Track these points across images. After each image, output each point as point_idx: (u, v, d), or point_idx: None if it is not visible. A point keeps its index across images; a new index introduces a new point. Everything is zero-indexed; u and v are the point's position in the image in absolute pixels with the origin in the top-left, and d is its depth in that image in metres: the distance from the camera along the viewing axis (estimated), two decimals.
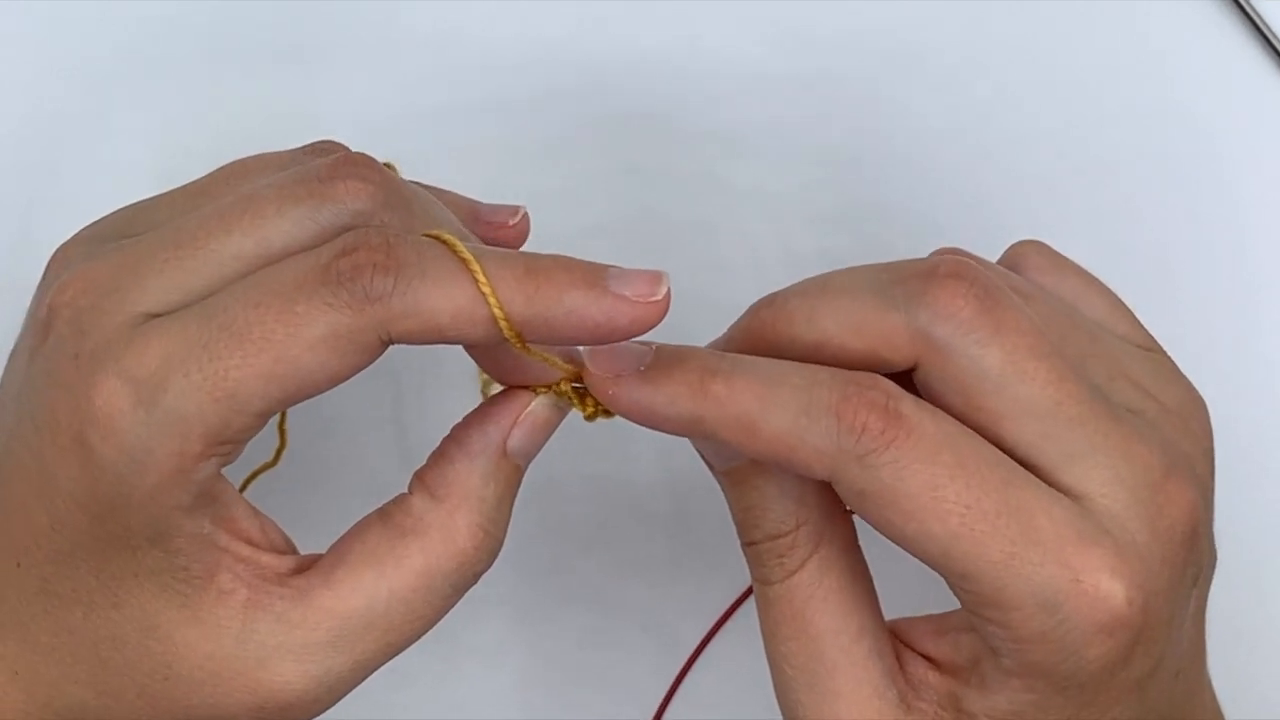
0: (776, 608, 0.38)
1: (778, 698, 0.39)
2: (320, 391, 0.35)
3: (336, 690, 0.37)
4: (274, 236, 0.37)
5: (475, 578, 0.38)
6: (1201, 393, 0.51)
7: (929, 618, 0.39)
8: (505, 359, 0.38)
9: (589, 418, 0.38)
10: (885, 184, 0.55)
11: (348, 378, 0.35)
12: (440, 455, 0.38)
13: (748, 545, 0.38)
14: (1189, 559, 0.37)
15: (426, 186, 0.41)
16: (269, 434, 0.44)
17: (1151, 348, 0.41)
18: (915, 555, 0.35)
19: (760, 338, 0.38)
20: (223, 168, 0.40)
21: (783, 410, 0.35)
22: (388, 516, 0.38)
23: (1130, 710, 0.37)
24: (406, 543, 0.37)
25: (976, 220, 0.55)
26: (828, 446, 0.35)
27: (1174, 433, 0.38)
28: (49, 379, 0.36)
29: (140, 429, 0.35)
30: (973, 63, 0.56)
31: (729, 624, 0.52)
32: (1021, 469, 0.36)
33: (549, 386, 0.38)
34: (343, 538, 0.38)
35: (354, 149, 0.40)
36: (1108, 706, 0.36)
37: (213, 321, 0.35)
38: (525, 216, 0.42)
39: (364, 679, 0.37)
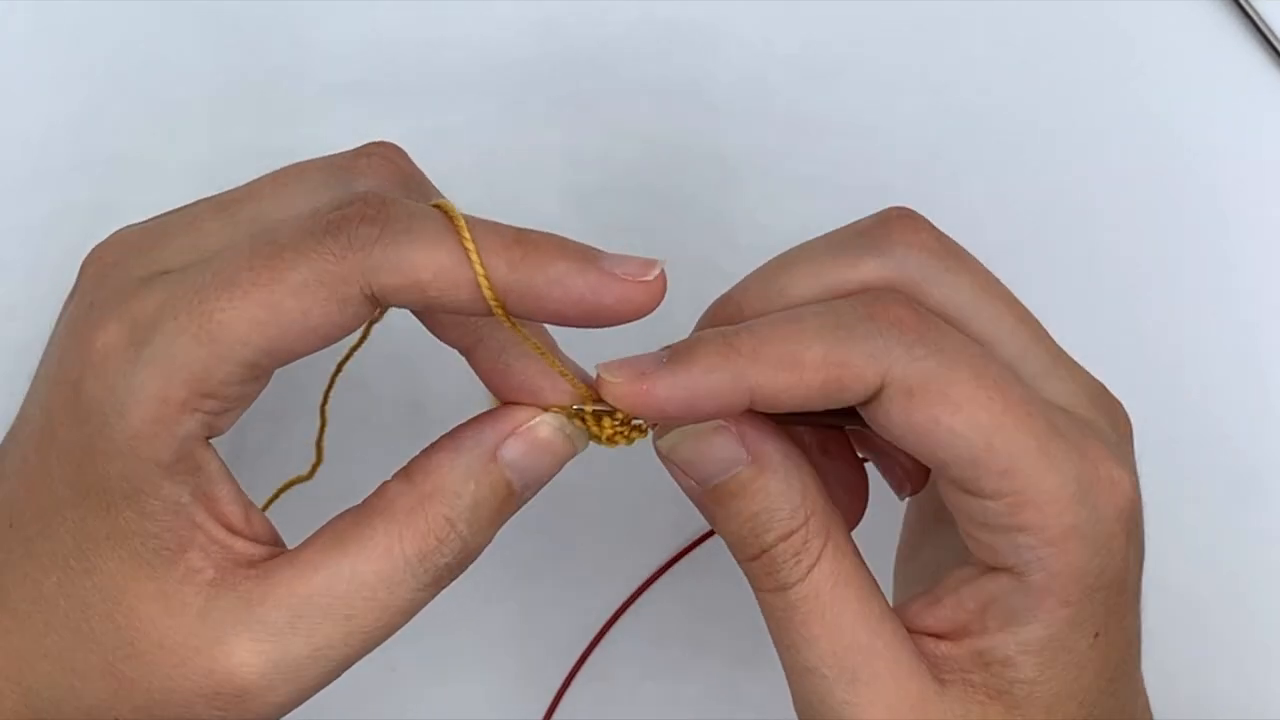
0: (800, 610, 0.37)
1: (804, 710, 0.38)
2: (306, 347, 0.35)
3: (294, 681, 0.36)
4: (295, 200, 0.37)
5: (439, 575, 0.37)
6: (1197, 387, 0.54)
7: (917, 597, 0.39)
8: (510, 374, 0.38)
9: (608, 440, 0.38)
10: (883, 181, 0.55)
11: (330, 336, 0.35)
12: (430, 446, 0.38)
13: (758, 556, 0.38)
14: (1134, 459, 0.39)
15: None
16: (307, 449, 0.44)
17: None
18: (955, 458, 0.35)
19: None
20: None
21: (818, 335, 0.35)
22: (363, 503, 0.37)
23: (1134, 620, 0.38)
24: (372, 522, 0.37)
25: (976, 220, 0.55)
26: (874, 349, 0.35)
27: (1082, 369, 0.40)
28: (66, 330, 0.37)
29: (126, 367, 0.35)
30: (972, 63, 0.56)
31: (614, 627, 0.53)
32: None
33: (562, 408, 0.37)
34: (321, 527, 0.37)
35: None
36: (1123, 614, 0.37)
37: (208, 269, 0.35)
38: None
39: (326, 676, 0.36)
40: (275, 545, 0.38)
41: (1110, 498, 0.36)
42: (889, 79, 0.56)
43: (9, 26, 0.53)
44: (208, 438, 0.36)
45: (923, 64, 0.56)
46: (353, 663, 0.37)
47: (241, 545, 0.36)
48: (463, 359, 0.39)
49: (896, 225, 0.38)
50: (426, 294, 0.35)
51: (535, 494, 0.38)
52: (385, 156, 0.39)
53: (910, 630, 0.38)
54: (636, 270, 0.35)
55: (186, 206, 0.40)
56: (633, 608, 0.53)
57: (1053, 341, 0.39)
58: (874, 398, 0.36)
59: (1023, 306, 0.39)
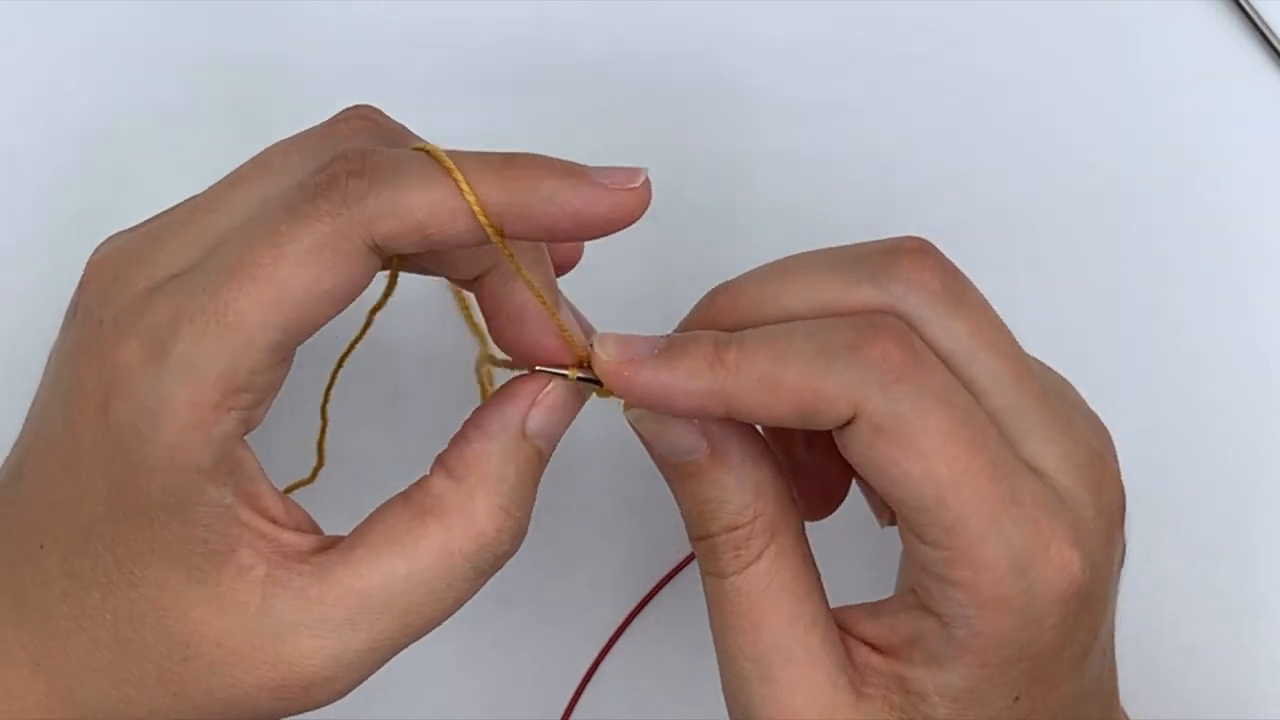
0: (732, 600, 0.38)
1: (728, 697, 0.39)
2: (324, 315, 0.36)
3: (354, 670, 0.37)
4: (282, 178, 0.37)
5: (497, 561, 0.38)
6: (1195, 392, 0.54)
7: (864, 605, 0.39)
8: (516, 324, 0.38)
9: (603, 394, 0.38)
10: (880, 178, 0.55)
11: (346, 295, 0.36)
12: (459, 437, 0.38)
13: (702, 539, 0.38)
14: (1119, 538, 0.38)
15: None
16: (308, 452, 0.44)
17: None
18: (906, 501, 0.36)
19: (719, 324, 0.38)
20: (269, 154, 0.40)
21: (799, 357, 0.35)
22: (409, 498, 0.38)
23: (1073, 686, 0.38)
24: (425, 523, 0.37)
25: (976, 220, 0.55)
26: (851, 381, 0.35)
27: (1090, 419, 0.40)
28: (77, 349, 0.37)
29: (154, 381, 0.35)
30: (971, 63, 0.56)
31: (632, 624, 0.53)
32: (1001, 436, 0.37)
33: (565, 370, 0.38)
34: (365, 519, 0.38)
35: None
36: (1056, 681, 0.37)
37: (213, 264, 0.35)
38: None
39: (383, 662, 0.37)
40: (314, 531, 0.38)
41: (1052, 576, 0.36)
42: (889, 78, 0.56)
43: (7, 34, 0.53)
44: (244, 434, 0.36)
45: (924, 64, 0.56)
46: (406, 647, 0.37)
47: (289, 537, 0.37)
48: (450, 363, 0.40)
49: (904, 259, 0.37)
50: (426, 233, 0.35)
51: (554, 450, 0.39)
52: (363, 116, 0.39)
53: (848, 633, 0.39)
54: (623, 179, 0.36)
55: (177, 205, 0.39)
56: (643, 612, 0.53)
57: (1051, 402, 0.38)
58: (846, 425, 0.36)
59: (1024, 360, 0.38)
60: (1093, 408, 0.41)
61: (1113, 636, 0.40)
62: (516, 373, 0.40)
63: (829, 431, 0.41)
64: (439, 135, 0.39)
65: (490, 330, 0.40)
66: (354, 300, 0.36)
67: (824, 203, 0.54)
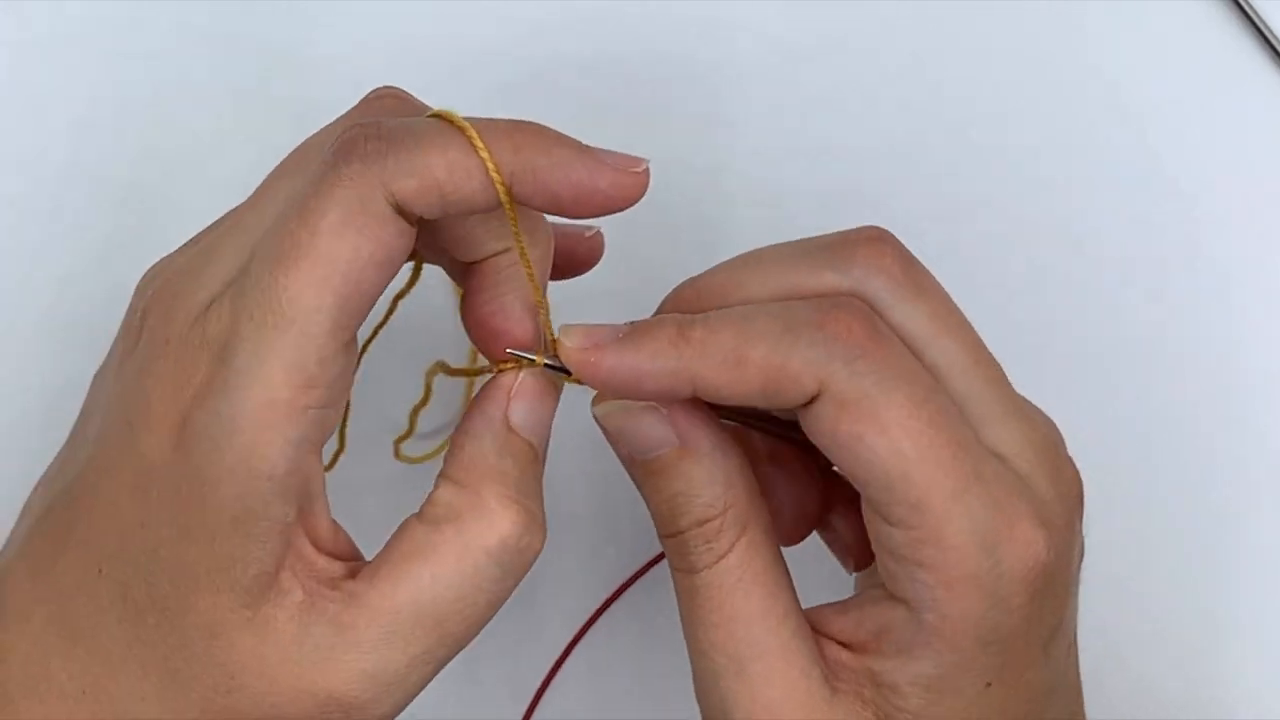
0: (703, 595, 0.38)
1: (701, 695, 0.39)
2: (372, 285, 0.36)
3: (397, 690, 0.37)
4: (315, 164, 0.37)
5: (523, 556, 0.38)
6: (1198, 387, 0.54)
7: (831, 603, 0.39)
8: (496, 306, 0.39)
9: (574, 381, 0.38)
10: (877, 176, 0.55)
11: (388, 262, 0.36)
12: (452, 447, 0.39)
13: (672, 535, 0.38)
14: (1079, 526, 0.39)
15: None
16: None
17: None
18: (871, 478, 0.36)
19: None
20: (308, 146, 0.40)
21: (764, 335, 0.36)
22: (422, 514, 0.38)
23: (1040, 674, 0.38)
24: (441, 530, 0.37)
25: (974, 218, 0.55)
26: (815, 357, 0.35)
27: (1039, 409, 0.40)
28: (144, 372, 0.37)
29: (226, 386, 0.35)
30: (970, 64, 0.56)
31: (598, 623, 0.53)
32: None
33: (531, 361, 0.39)
34: (386, 543, 0.38)
35: None
36: (1024, 667, 0.37)
37: (257, 258, 0.36)
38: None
39: (428, 677, 0.37)
40: (354, 559, 0.38)
41: (1017, 554, 0.36)
42: (885, 77, 0.56)
43: (31, 55, 0.54)
44: (321, 442, 0.36)
45: (919, 62, 0.56)
46: (449, 660, 0.38)
47: (324, 563, 0.37)
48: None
49: (864, 246, 0.38)
50: (444, 191, 0.36)
51: (548, 445, 0.39)
52: (393, 96, 0.39)
53: (818, 632, 0.39)
54: (626, 163, 0.37)
55: (221, 218, 0.40)
56: (608, 612, 0.53)
57: (1009, 389, 0.39)
58: (810, 403, 0.36)
59: (983, 348, 0.39)
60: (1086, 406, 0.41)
61: (1075, 632, 0.40)
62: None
63: (800, 452, 0.42)
64: None
65: (466, 310, 0.40)
66: (398, 269, 0.37)
67: (800, 204, 0.55)
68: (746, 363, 0.36)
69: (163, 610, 0.36)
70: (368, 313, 0.36)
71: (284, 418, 0.35)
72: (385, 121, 0.36)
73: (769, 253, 0.39)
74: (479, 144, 0.36)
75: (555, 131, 0.37)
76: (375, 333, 0.43)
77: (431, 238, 0.39)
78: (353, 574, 0.37)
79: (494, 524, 0.37)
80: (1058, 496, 0.38)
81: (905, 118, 0.56)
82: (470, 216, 0.38)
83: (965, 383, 0.38)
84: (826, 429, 0.36)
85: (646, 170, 0.37)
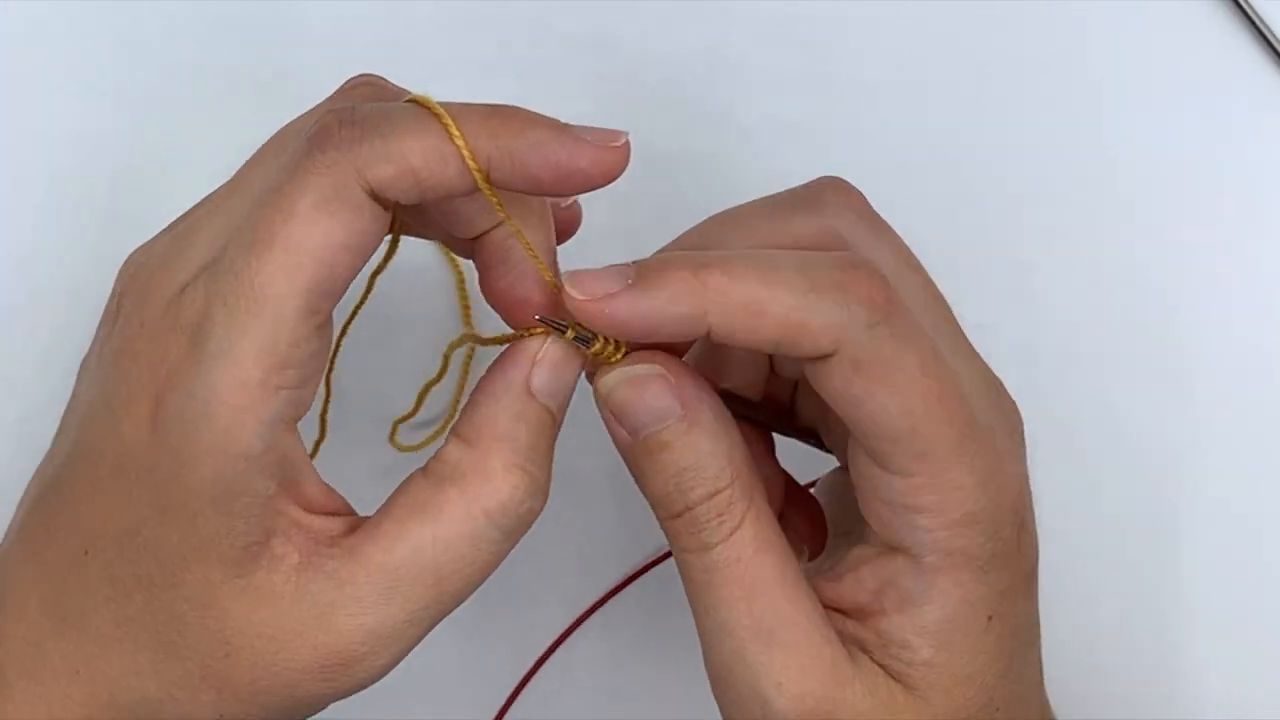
0: (721, 571, 0.38)
1: (721, 678, 0.38)
2: (345, 270, 0.36)
3: (394, 644, 0.37)
4: (291, 149, 0.37)
5: (522, 520, 0.38)
6: (1198, 388, 0.54)
7: (817, 574, 0.39)
8: (511, 278, 0.39)
9: (595, 355, 0.38)
10: (876, 173, 0.55)
11: (361, 247, 0.36)
12: (469, 405, 0.39)
13: (681, 514, 0.38)
14: (1025, 455, 0.40)
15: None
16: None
17: None
18: (879, 433, 0.36)
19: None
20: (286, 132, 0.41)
21: (788, 290, 0.36)
22: (427, 471, 0.38)
23: (1028, 607, 0.39)
24: (445, 489, 0.37)
25: (973, 218, 0.55)
26: (836, 317, 0.36)
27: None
28: (120, 353, 0.37)
29: (199, 369, 0.35)
30: (970, 63, 0.56)
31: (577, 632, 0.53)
32: None
33: (561, 330, 0.38)
34: (390, 497, 0.38)
35: None
36: (1015, 600, 0.38)
37: (232, 243, 0.36)
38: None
39: (423, 633, 0.38)
40: (350, 514, 0.38)
41: (1006, 489, 0.38)
42: (883, 78, 0.56)
43: (24, 40, 0.55)
44: (295, 419, 0.37)
45: (918, 62, 0.56)
46: (447, 615, 0.38)
47: (320, 523, 0.37)
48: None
49: (830, 189, 0.40)
50: (419, 178, 0.36)
51: (567, 410, 0.39)
52: (368, 83, 0.40)
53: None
54: (605, 138, 0.37)
55: (199, 203, 0.40)
56: (581, 628, 0.53)
57: (959, 328, 0.40)
58: (822, 359, 0.36)
59: (936, 288, 0.40)
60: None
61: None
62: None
63: (763, 438, 0.42)
64: None
65: (485, 285, 0.40)
66: (371, 253, 0.37)
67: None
68: (766, 315, 0.36)
69: (150, 588, 0.36)
70: (341, 294, 0.36)
71: (257, 398, 0.35)
72: (360, 107, 0.36)
73: (743, 209, 0.40)
74: (454, 130, 0.36)
75: (532, 113, 0.37)
76: (354, 313, 0.43)
77: (425, 215, 0.39)
78: (351, 529, 0.37)
79: (496, 488, 0.37)
80: (1011, 436, 0.39)
81: (905, 115, 0.56)
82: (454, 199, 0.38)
83: (927, 320, 0.38)
84: (838, 385, 0.36)
85: (627, 144, 0.37)
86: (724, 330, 0.36)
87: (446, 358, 0.43)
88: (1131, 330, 0.55)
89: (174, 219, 0.41)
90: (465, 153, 0.36)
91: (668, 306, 0.36)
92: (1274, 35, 0.56)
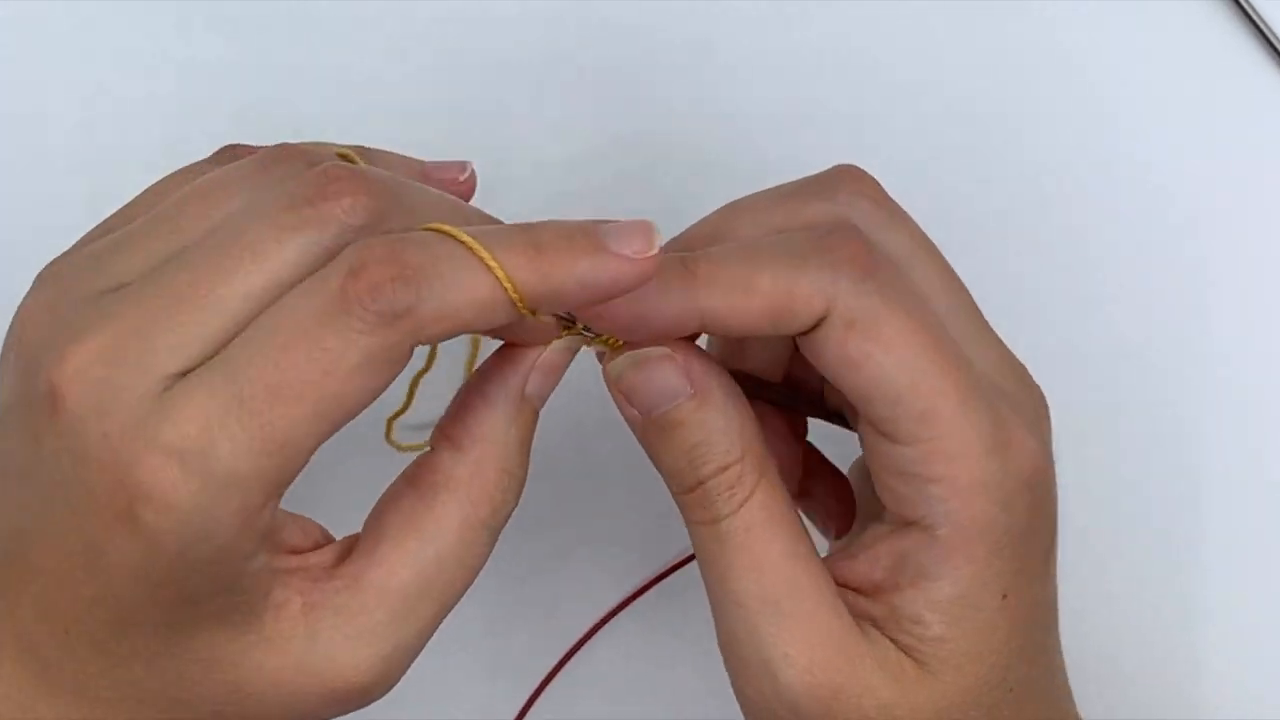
0: (730, 542, 0.38)
1: (731, 651, 0.38)
2: (365, 407, 0.35)
3: (407, 660, 0.37)
4: (281, 270, 0.34)
5: (506, 519, 0.38)
6: (1197, 388, 0.55)
7: (836, 552, 0.40)
8: (518, 328, 0.38)
9: (600, 354, 0.39)
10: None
11: (385, 388, 0.35)
12: (461, 406, 0.38)
13: (694, 488, 0.38)
14: (1050, 440, 0.40)
15: (367, 150, 0.41)
16: None
17: None
18: (879, 396, 0.37)
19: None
20: (168, 188, 0.38)
21: (772, 262, 0.37)
22: (415, 479, 0.38)
23: (1045, 587, 0.39)
24: (441, 500, 0.37)
25: (973, 220, 0.55)
26: (824, 279, 0.36)
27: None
28: (77, 459, 0.34)
29: (198, 499, 0.33)
30: (969, 63, 0.56)
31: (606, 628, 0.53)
32: None
33: (569, 325, 0.38)
34: (376, 511, 0.38)
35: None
36: (1031, 578, 0.38)
37: (243, 376, 0.33)
38: (472, 172, 0.42)
39: (427, 642, 0.38)
40: (329, 540, 0.38)
41: (1018, 459, 0.37)
42: (881, 80, 0.56)
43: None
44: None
45: (917, 62, 0.56)
46: (444, 620, 0.38)
47: (313, 559, 0.37)
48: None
49: (845, 177, 0.40)
50: (470, 327, 0.35)
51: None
52: (351, 193, 0.35)
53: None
54: (643, 247, 0.36)
55: (120, 234, 0.37)
56: (606, 627, 0.53)
57: (980, 314, 0.40)
58: (815, 327, 0.37)
59: (954, 274, 0.40)
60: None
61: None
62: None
63: (783, 418, 0.42)
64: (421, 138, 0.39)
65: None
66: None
67: None
68: (754, 290, 0.37)
69: (149, 659, 0.35)
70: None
71: (255, 518, 0.34)
72: (402, 251, 0.34)
73: (754, 198, 0.41)
74: (508, 286, 0.35)
75: (570, 239, 0.35)
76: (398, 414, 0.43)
77: None
78: (342, 556, 0.37)
79: (491, 495, 0.37)
80: (1034, 410, 0.39)
81: (905, 112, 0.56)
82: None
83: (944, 305, 0.39)
84: (833, 350, 0.37)
85: (658, 244, 0.36)
86: (718, 315, 0.37)
87: (433, 349, 0.42)
88: (1127, 330, 0.55)
89: (66, 254, 0.37)
90: (519, 304, 0.35)
91: (659, 298, 0.37)
92: (1274, 35, 0.56)
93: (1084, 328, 0.55)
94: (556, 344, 0.38)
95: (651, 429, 0.38)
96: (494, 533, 0.38)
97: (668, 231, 0.41)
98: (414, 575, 0.36)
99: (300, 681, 0.36)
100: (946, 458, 0.36)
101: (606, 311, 0.37)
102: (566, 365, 0.39)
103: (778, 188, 0.41)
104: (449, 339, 0.35)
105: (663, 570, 0.53)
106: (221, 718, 0.36)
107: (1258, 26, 0.56)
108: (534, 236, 0.35)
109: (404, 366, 0.35)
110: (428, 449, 0.38)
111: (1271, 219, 0.56)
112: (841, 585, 0.38)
